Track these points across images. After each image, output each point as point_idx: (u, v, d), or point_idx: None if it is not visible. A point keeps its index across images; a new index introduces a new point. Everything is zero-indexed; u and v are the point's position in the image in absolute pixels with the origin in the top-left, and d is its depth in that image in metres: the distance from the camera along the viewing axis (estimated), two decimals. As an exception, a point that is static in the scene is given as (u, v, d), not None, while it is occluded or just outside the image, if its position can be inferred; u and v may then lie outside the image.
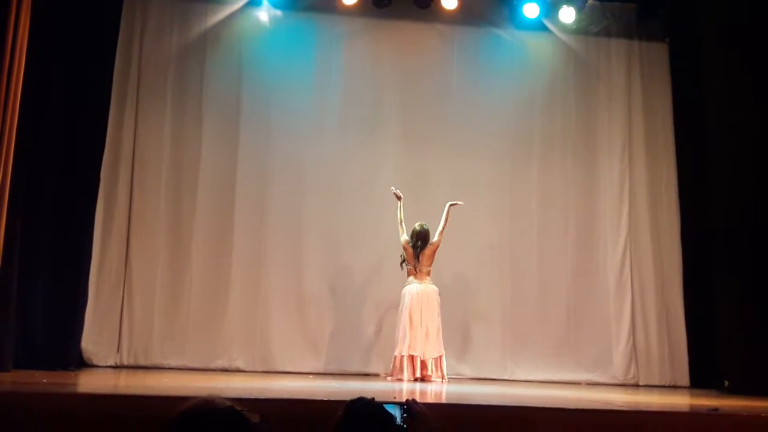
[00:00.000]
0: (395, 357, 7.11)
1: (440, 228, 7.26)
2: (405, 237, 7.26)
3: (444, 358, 7.14)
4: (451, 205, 7.32)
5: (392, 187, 7.40)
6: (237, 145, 7.93)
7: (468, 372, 7.79)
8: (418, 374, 6.95)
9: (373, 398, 2.31)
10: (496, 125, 8.32)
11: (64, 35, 6.76)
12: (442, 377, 7.04)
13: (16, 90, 5.76)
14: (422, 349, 7.02)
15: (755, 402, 5.53)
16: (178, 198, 7.76)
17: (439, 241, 7.24)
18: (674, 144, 8.35)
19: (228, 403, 1.88)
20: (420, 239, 7.24)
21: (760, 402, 5.50)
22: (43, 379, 5.50)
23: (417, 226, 7.27)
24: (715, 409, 4.53)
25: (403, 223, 7.28)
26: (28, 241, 6.30)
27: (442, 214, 7.29)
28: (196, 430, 1.84)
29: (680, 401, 6.21)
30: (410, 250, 7.24)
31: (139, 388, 5.43)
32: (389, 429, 2.25)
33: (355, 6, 8.07)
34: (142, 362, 7.40)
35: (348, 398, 2.30)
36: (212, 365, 7.44)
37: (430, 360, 7.04)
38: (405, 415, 2.64)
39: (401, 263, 7.33)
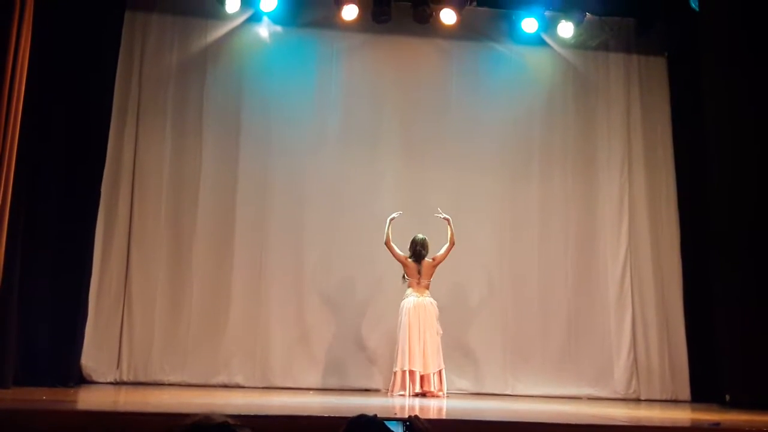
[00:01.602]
0: (395, 372, 7.06)
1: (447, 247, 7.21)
2: (399, 252, 7.19)
3: (444, 373, 7.10)
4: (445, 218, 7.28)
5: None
6: (237, 160, 7.94)
7: (469, 387, 7.76)
8: (418, 389, 6.91)
9: (375, 415, 2.30)
10: (496, 139, 8.33)
11: (64, 50, 6.77)
12: (439, 391, 6.97)
13: (18, 104, 5.77)
14: (422, 363, 6.98)
15: (756, 416, 5.51)
16: (178, 213, 7.76)
17: (443, 256, 7.19)
18: (673, 157, 8.37)
19: (222, 419, 1.95)
20: (420, 245, 7.19)
21: (762, 416, 5.47)
22: (42, 396, 5.47)
23: (416, 236, 7.23)
24: (717, 424, 4.50)
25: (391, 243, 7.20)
26: (28, 256, 6.29)
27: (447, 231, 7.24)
28: None
29: (681, 416, 6.19)
30: (411, 263, 7.21)
31: (138, 405, 5.40)
32: (392, 446, 2.24)
33: (354, 22, 8.07)
34: (141, 378, 7.36)
35: (349, 414, 2.29)
36: (212, 381, 7.42)
37: (431, 375, 7.01)
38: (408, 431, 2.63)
39: (403, 276, 7.29)
